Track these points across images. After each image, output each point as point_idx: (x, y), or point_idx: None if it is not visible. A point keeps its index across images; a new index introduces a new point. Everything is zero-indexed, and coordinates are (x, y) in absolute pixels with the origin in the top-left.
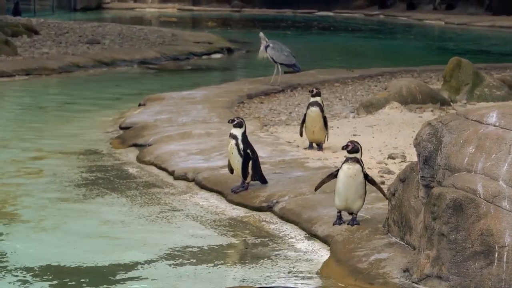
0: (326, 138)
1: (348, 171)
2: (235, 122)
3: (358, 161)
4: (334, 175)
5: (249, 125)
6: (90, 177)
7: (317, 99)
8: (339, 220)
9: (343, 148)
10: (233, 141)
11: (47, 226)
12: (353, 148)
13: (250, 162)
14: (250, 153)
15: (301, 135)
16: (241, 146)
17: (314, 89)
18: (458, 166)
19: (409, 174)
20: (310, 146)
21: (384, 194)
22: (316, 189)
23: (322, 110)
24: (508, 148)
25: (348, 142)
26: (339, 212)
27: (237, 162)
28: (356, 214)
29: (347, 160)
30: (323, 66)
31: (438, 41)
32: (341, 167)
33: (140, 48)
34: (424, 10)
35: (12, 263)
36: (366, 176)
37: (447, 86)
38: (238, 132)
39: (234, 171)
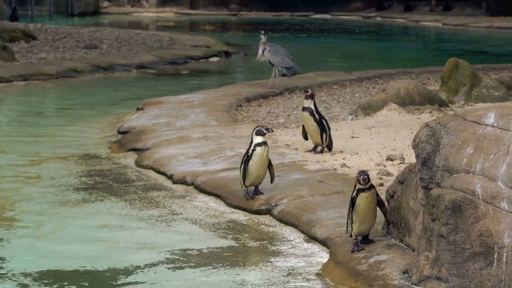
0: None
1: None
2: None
3: (372, 187)
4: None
5: (247, 128)
6: (89, 181)
7: (308, 102)
8: (357, 246)
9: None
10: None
11: (46, 231)
12: (366, 179)
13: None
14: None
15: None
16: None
17: (309, 90)
18: (456, 167)
19: (407, 176)
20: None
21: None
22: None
23: (312, 114)
24: (506, 148)
25: (361, 172)
26: (356, 238)
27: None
28: (369, 233)
29: (363, 190)
30: (320, 69)
31: (436, 42)
32: (357, 196)
33: (138, 53)
34: (422, 12)
35: (11, 268)
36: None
37: (445, 87)
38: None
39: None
